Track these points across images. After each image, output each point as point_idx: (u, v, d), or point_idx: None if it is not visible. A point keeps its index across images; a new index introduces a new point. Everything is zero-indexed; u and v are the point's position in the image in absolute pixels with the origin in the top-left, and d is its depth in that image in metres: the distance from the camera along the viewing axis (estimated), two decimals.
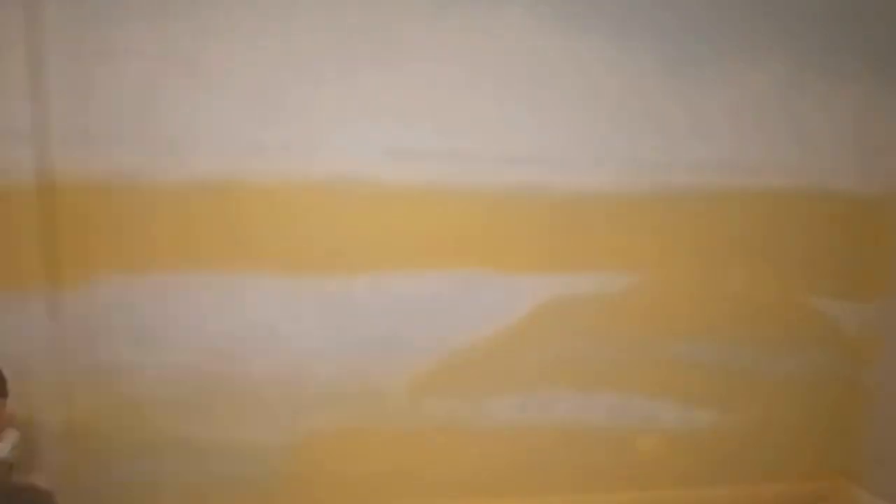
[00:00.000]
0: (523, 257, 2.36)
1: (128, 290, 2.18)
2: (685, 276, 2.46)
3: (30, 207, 2.06)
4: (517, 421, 2.43)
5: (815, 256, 2.52)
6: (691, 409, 2.53)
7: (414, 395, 2.36)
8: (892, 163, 2.49)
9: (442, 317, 2.34)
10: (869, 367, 2.56)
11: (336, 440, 2.34)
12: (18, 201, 2.05)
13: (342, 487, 2.36)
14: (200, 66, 2.13)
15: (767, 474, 2.61)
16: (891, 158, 2.49)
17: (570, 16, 2.28)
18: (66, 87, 2.07)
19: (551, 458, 2.48)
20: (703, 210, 2.43)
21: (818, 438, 2.64)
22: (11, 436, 1.98)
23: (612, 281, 2.42)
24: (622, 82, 2.34)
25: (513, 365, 2.40)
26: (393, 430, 2.36)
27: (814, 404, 2.61)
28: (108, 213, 2.14)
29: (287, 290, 2.25)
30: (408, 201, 2.27)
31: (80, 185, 2.11)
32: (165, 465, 2.26)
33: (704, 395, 2.53)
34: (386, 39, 2.21)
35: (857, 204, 2.52)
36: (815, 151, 2.47)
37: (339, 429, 2.34)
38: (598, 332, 2.44)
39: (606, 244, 2.40)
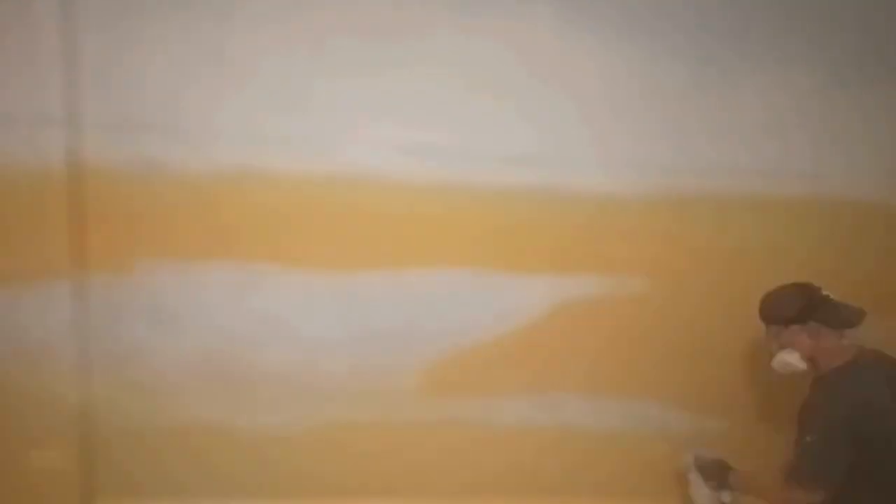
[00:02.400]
0: (537, 258, 2.36)
1: (150, 276, 2.22)
2: (698, 281, 2.44)
3: (59, 192, 2.10)
4: (526, 422, 2.43)
5: (834, 266, 2.47)
6: (702, 416, 2.53)
7: (424, 392, 2.37)
8: None
9: (454, 315, 2.35)
10: None
11: (345, 433, 2.35)
12: (48, 186, 2.09)
13: (348, 480, 2.37)
14: (226, 59, 2.17)
15: (778, 484, 2.59)
16: None
17: (593, 19, 2.28)
18: (98, 74, 2.12)
19: (559, 460, 2.47)
20: (719, 216, 2.41)
21: None
22: None
23: (625, 284, 2.41)
24: (642, 86, 2.34)
25: (523, 366, 2.40)
26: (402, 427, 2.37)
27: None
28: (134, 200, 2.18)
29: (302, 282, 2.27)
30: (424, 199, 2.28)
31: (109, 172, 2.15)
32: (177, 448, 2.30)
33: (716, 403, 2.51)
34: (407, 38, 2.22)
35: (878, 213, 2.49)
36: (835, 159, 2.44)
37: (347, 422, 2.35)
38: (610, 336, 2.43)
39: (621, 247, 2.39)
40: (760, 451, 2.55)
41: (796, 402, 2.54)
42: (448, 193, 2.29)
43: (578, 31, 2.29)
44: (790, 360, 2.12)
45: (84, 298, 2.18)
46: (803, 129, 2.42)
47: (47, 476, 2.19)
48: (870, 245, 2.51)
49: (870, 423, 1.97)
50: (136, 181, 2.17)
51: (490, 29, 2.25)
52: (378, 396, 2.36)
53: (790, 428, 2.54)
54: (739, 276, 2.45)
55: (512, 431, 2.43)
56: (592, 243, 2.37)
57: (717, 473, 2.31)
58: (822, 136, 2.43)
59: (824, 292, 2.10)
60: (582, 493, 2.50)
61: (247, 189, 2.21)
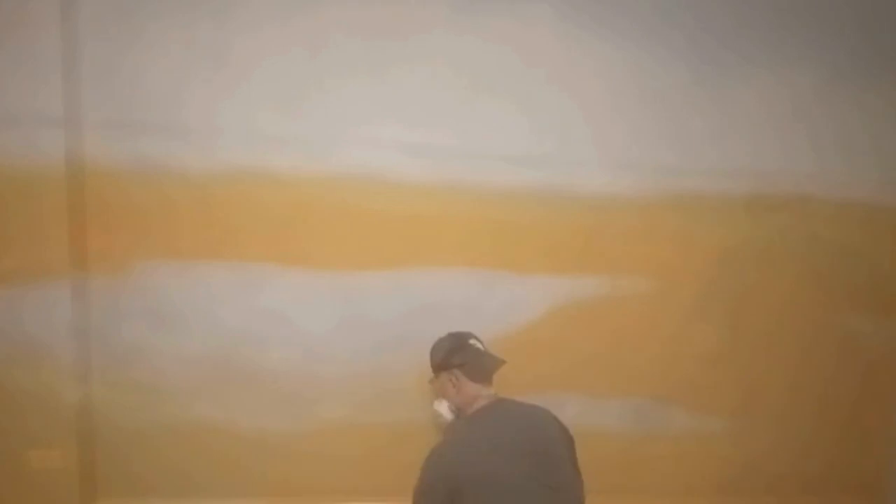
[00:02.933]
0: (537, 258, 2.36)
1: (150, 277, 2.23)
2: (698, 281, 2.43)
3: (59, 192, 2.11)
4: None
5: (834, 266, 2.48)
6: (705, 416, 2.52)
7: (425, 392, 2.36)
8: None
9: (456, 315, 2.34)
10: None
11: (345, 433, 2.35)
12: (48, 185, 2.10)
13: (349, 480, 2.37)
14: (226, 59, 2.18)
15: (781, 487, 2.58)
16: None
17: (595, 19, 2.28)
18: (98, 75, 2.13)
19: None
20: (719, 216, 2.40)
21: (838, 455, 2.59)
22: None
23: (625, 285, 2.40)
24: (645, 87, 2.33)
25: (523, 365, 2.39)
26: (403, 426, 2.37)
27: (835, 420, 2.57)
28: (135, 200, 2.19)
29: (303, 282, 2.28)
30: (426, 199, 2.29)
31: (109, 172, 2.17)
32: (177, 448, 2.30)
33: (719, 403, 2.51)
34: (408, 38, 2.22)
35: (879, 213, 2.47)
36: (836, 159, 2.43)
37: (348, 422, 2.35)
38: (610, 336, 2.42)
39: (624, 248, 2.39)
40: (761, 452, 2.56)
41: (797, 403, 2.55)
42: (448, 193, 2.29)
43: (579, 31, 2.28)
44: (439, 409, 2.14)
45: (84, 298, 2.19)
46: (804, 129, 2.41)
47: (48, 475, 2.19)
48: (871, 245, 2.50)
49: (464, 479, 1.85)
50: (137, 181, 2.18)
51: (491, 29, 2.25)
52: (379, 396, 2.36)
53: (791, 428, 2.56)
54: (740, 277, 2.45)
55: None
56: (592, 243, 2.37)
57: None
58: (822, 137, 2.42)
59: (471, 341, 2.13)
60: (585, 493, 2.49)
61: (247, 189, 2.22)
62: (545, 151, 2.33)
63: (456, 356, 2.09)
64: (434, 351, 2.16)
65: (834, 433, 2.58)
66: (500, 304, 2.37)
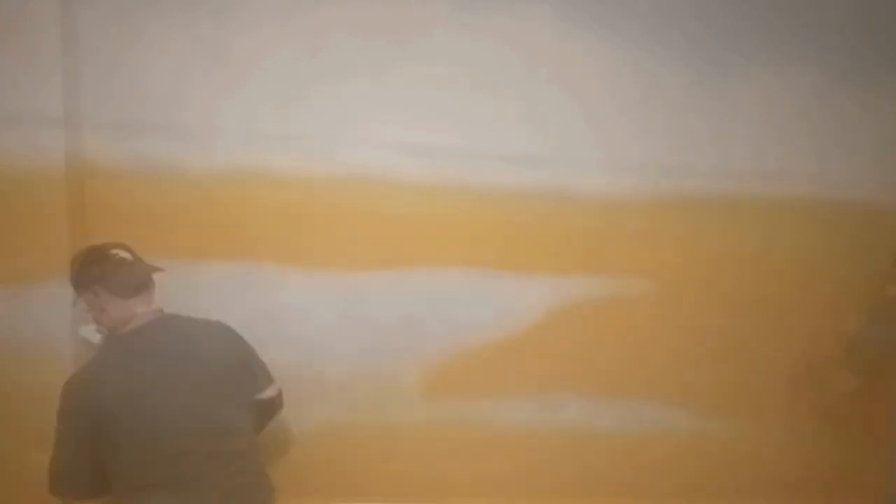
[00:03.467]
0: (540, 259, 2.36)
1: (155, 276, 2.20)
2: (700, 282, 2.43)
3: (59, 192, 2.10)
4: (528, 423, 2.44)
5: (837, 267, 2.48)
6: (705, 418, 2.53)
7: (425, 393, 2.38)
8: None
9: (456, 316, 2.35)
10: None
11: (347, 433, 2.36)
12: (49, 185, 2.09)
13: (349, 481, 2.38)
14: (227, 59, 2.17)
15: (781, 490, 2.59)
16: None
17: (596, 19, 2.28)
18: (99, 75, 2.13)
19: (560, 462, 2.48)
20: (723, 218, 2.41)
21: (840, 456, 2.59)
22: None
23: (628, 286, 2.41)
24: (646, 87, 2.33)
25: (525, 367, 2.41)
26: (402, 428, 2.38)
27: (837, 422, 2.57)
28: (135, 200, 2.19)
29: (304, 282, 2.28)
30: (427, 199, 2.29)
31: (109, 172, 2.16)
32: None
33: (721, 405, 2.51)
34: (410, 38, 2.22)
35: (882, 214, 2.47)
36: (838, 160, 2.43)
37: (350, 422, 2.36)
38: (612, 337, 2.43)
39: (625, 249, 2.39)
40: (761, 453, 2.56)
41: (798, 405, 2.55)
42: (450, 194, 2.29)
43: (580, 31, 2.28)
44: (84, 334, 1.91)
45: None
46: (806, 129, 2.41)
47: (47, 476, 2.19)
48: (873, 246, 2.50)
49: (107, 409, 1.65)
50: (137, 181, 2.17)
51: (492, 29, 2.25)
52: (380, 396, 2.36)
53: (792, 430, 2.56)
54: (741, 278, 2.45)
55: (513, 432, 2.44)
56: (594, 244, 2.37)
57: None
58: (825, 137, 2.42)
59: (113, 251, 1.80)
60: (583, 494, 2.50)
61: (248, 189, 2.22)
62: (546, 152, 2.33)
63: (93, 268, 1.76)
64: (70, 267, 1.83)
65: (836, 435, 2.58)
66: (501, 305, 2.37)
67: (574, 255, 2.37)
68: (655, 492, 2.53)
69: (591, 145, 2.34)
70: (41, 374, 2.15)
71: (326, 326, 2.31)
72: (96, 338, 1.88)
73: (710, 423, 2.53)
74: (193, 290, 2.23)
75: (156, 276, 2.20)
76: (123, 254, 1.81)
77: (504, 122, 2.30)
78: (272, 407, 2.04)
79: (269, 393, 2.01)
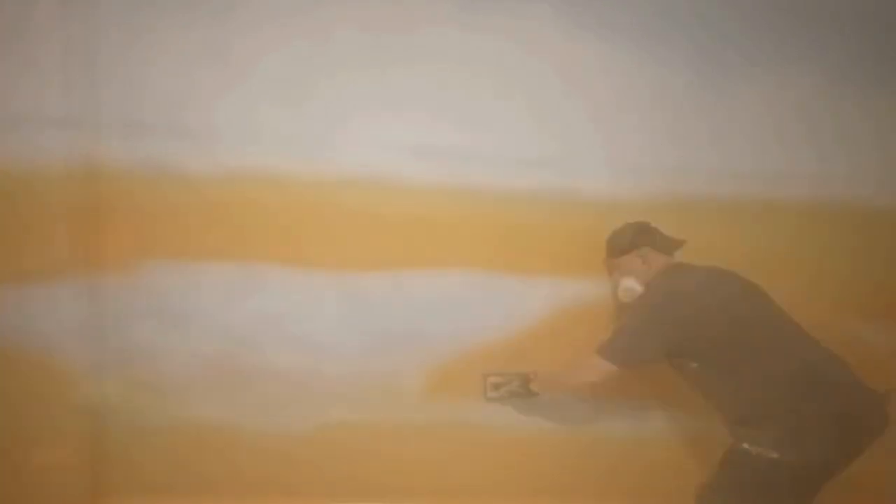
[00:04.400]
0: (542, 261, 2.37)
1: (159, 277, 2.26)
2: None
3: (68, 193, 2.15)
4: (529, 424, 2.43)
5: (839, 270, 2.47)
6: (706, 419, 2.52)
7: (427, 393, 2.38)
8: None
9: (458, 317, 2.36)
10: None
11: (349, 434, 2.36)
12: (58, 187, 2.14)
13: (352, 481, 2.38)
14: (234, 63, 2.22)
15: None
16: None
17: (599, 20, 2.31)
18: (109, 78, 2.18)
19: (562, 462, 2.45)
20: (725, 219, 2.41)
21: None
22: None
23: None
24: (649, 89, 2.36)
25: (527, 368, 2.39)
26: (404, 427, 2.38)
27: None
28: (144, 201, 2.23)
29: (308, 283, 2.30)
30: (430, 201, 2.31)
31: (117, 174, 2.21)
32: (185, 446, 2.32)
33: None
34: (413, 38, 2.26)
35: (883, 216, 2.47)
36: (840, 163, 2.43)
37: (352, 423, 2.36)
38: None
39: None
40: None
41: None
42: (452, 195, 2.32)
43: (584, 33, 2.31)
44: (630, 284, 2.23)
45: (94, 298, 2.23)
46: (808, 132, 2.42)
47: (58, 473, 2.22)
48: (874, 247, 2.49)
49: (695, 304, 2.07)
50: (146, 183, 2.21)
51: (495, 32, 2.29)
52: (382, 397, 2.37)
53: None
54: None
55: (515, 433, 2.43)
56: (596, 246, 2.37)
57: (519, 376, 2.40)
58: (825, 138, 2.42)
59: (652, 225, 2.27)
60: (584, 495, 2.47)
61: (254, 191, 2.25)
62: (548, 153, 2.35)
63: (645, 236, 2.23)
64: (616, 237, 2.27)
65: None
66: (504, 306, 2.38)
67: (576, 256, 2.38)
68: (656, 493, 2.51)
69: (593, 147, 2.37)
70: (52, 373, 2.20)
71: (331, 327, 2.33)
72: (639, 287, 2.21)
73: (710, 424, 2.52)
74: (197, 289, 2.27)
75: (166, 276, 2.25)
76: (656, 226, 2.27)
77: (507, 124, 2.33)
78: None
79: None
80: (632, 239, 2.24)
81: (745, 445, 1.99)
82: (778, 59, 2.38)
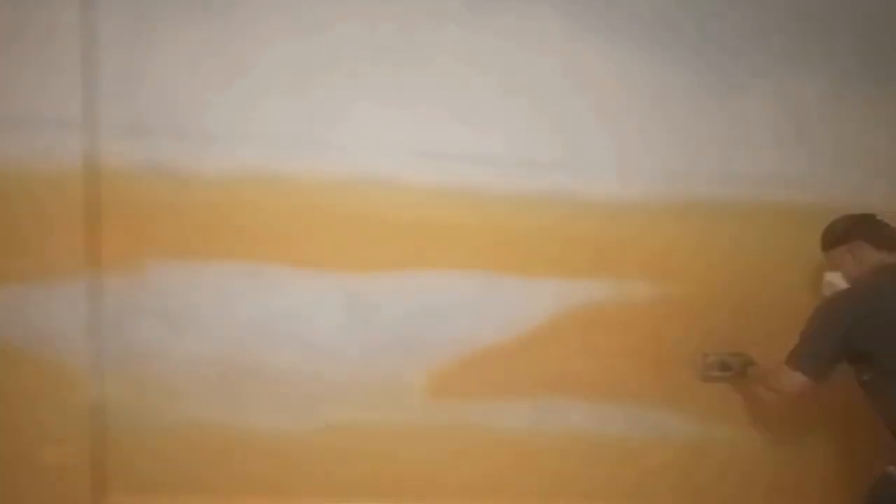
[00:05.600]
0: (546, 263, 2.37)
1: (162, 277, 2.26)
2: (708, 288, 2.44)
3: (74, 194, 2.13)
4: (531, 426, 2.44)
5: None
6: (709, 424, 2.53)
7: (430, 394, 2.39)
8: None
9: (462, 318, 2.37)
10: None
11: (352, 434, 2.37)
12: (64, 187, 2.13)
13: (354, 481, 2.39)
14: (240, 64, 2.21)
15: (785, 495, 2.57)
16: None
17: (604, 23, 2.30)
18: (114, 79, 2.17)
19: (564, 464, 2.48)
20: (729, 224, 2.42)
21: (843, 461, 2.58)
22: None
23: (632, 290, 2.41)
24: (654, 92, 2.35)
25: (530, 370, 2.41)
26: (407, 429, 2.39)
27: (840, 428, 2.57)
28: (148, 201, 2.22)
29: (311, 284, 2.30)
30: (433, 202, 2.31)
31: (124, 174, 2.20)
32: (186, 445, 2.33)
33: (724, 410, 2.51)
34: (416, 39, 2.25)
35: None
36: (850, 168, 2.43)
37: (354, 423, 2.37)
38: (616, 341, 2.43)
39: (630, 254, 2.40)
40: (763, 457, 2.55)
41: (801, 409, 2.53)
42: (455, 196, 2.31)
43: (589, 37, 2.30)
44: (832, 279, 2.16)
45: (98, 298, 2.22)
46: (810, 136, 2.42)
47: (60, 471, 2.22)
48: None
49: (875, 305, 1.95)
50: (150, 183, 2.21)
51: (500, 32, 2.28)
52: (385, 398, 2.38)
53: (793, 433, 2.55)
54: (745, 283, 2.45)
55: (517, 435, 2.44)
56: (600, 248, 2.38)
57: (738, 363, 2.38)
58: (829, 144, 2.43)
59: (877, 217, 2.13)
60: (586, 496, 2.50)
61: (258, 191, 2.25)
62: (553, 155, 2.35)
63: (857, 228, 2.10)
64: (829, 228, 2.17)
65: (838, 440, 2.57)
66: (508, 308, 2.38)
67: (579, 258, 2.38)
68: (658, 496, 2.52)
69: (597, 148, 2.36)
70: (55, 372, 2.19)
71: (332, 327, 2.33)
72: (841, 286, 2.12)
73: (715, 427, 2.53)
74: (198, 290, 2.27)
75: (168, 276, 2.25)
76: (882, 217, 2.13)
77: (510, 124, 2.32)
78: None
79: None
80: (844, 231, 2.12)
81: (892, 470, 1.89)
82: (782, 63, 2.38)
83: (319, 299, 2.31)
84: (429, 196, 2.30)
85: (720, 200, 2.40)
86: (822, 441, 2.58)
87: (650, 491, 2.53)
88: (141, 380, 2.28)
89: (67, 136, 2.11)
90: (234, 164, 2.23)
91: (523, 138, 2.34)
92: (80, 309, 2.18)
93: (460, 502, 2.43)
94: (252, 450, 2.34)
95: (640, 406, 2.48)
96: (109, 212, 2.19)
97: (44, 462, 2.21)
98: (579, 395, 2.45)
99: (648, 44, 2.32)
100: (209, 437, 2.32)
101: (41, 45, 2.07)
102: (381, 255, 2.32)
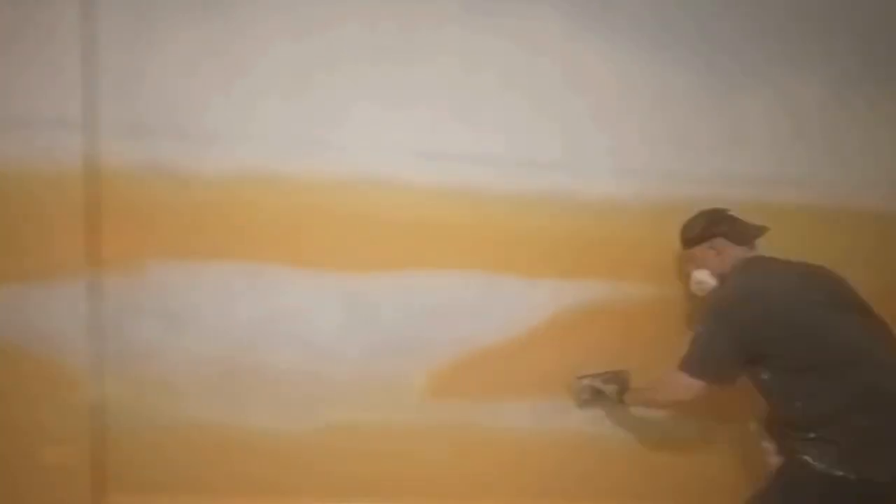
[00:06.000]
0: (545, 263, 2.38)
1: (163, 276, 2.26)
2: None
3: (75, 194, 2.14)
4: (532, 426, 2.45)
5: (848, 277, 2.49)
6: (708, 422, 2.53)
7: (430, 394, 2.39)
8: None
9: (462, 318, 2.37)
10: None
11: (352, 434, 2.37)
12: (64, 188, 2.13)
13: (355, 481, 2.39)
14: (240, 63, 2.21)
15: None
16: None
17: (603, 23, 2.31)
18: (114, 79, 2.17)
19: (564, 464, 2.48)
20: None
21: None
22: None
23: (633, 290, 2.42)
24: (654, 92, 2.36)
25: (530, 370, 2.41)
26: (407, 429, 2.39)
27: None
28: (148, 202, 2.22)
29: (311, 284, 2.30)
30: (433, 202, 2.31)
31: (124, 174, 2.20)
32: (186, 445, 2.33)
33: (722, 409, 2.50)
34: (416, 39, 2.25)
35: (887, 221, 2.48)
36: (850, 168, 2.44)
37: (355, 423, 2.37)
38: (617, 341, 2.44)
39: (628, 253, 2.41)
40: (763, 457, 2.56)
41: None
42: (454, 197, 2.32)
43: (587, 36, 2.31)
44: (701, 277, 2.18)
45: (98, 298, 2.22)
46: (810, 136, 2.43)
47: (60, 471, 2.22)
48: (881, 252, 2.50)
49: (768, 307, 1.96)
50: (150, 184, 2.21)
51: (499, 33, 2.28)
52: (385, 398, 2.38)
53: None
54: None
55: (517, 435, 2.45)
56: (599, 248, 2.39)
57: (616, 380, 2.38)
58: (828, 144, 2.44)
59: (729, 212, 2.18)
60: (586, 497, 2.50)
61: (258, 191, 2.25)
62: (551, 155, 2.35)
63: (717, 226, 2.15)
64: (690, 226, 2.21)
65: None
66: (506, 308, 2.39)
67: (579, 258, 2.39)
68: (658, 494, 2.53)
69: (595, 149, 2.37)
70: (55, 371, 2.19)
71: (332, 327, 2.33)
72: (713, 280, 2.16)
73: (713, 427, 2.53)
74: (198, 290, 2.27)
75: (168, 276, 2.25)
76: (734, 213, 2.18)
77: (513, 126, 2.33)
78: None
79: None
80: (704, 228, 2.16)
81: (807, 458, 1.91)
82: (782, 64, 2.39)
83: (319, 299, 2.31)
84: (429, 196, 2.31)
85: (720, 200, 2.40)
86: None
87: (650, 491, 2.53)
88: (141, 380, 2.28)
89: (67, 136, 2.11)
90: (234, 164, 2.23)
91: (523, 138, 2.34)
92: (80, 309, 2.18)
93: (460, 502, 2.44)
94: (252, 450, 2.35)
95: (641, 406, 2.48)
96: (109, 212, 2.20)
97: (44, 462, 2.21)
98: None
99: (648, 44, 2.33)
100: (209, 437, 2.32)
101: (41, 45, 2.07)
102: (381, 255, 2.32)
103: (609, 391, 2.34)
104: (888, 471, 1.85)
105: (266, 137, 2.24)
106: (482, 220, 2.34)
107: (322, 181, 2.27)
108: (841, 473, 1.85)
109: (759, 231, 2.15)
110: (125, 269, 2.23)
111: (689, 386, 2.03)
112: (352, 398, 2.36)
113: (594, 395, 2.38)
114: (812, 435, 1.92)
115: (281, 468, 2.37)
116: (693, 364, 2.02)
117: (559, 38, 2.30)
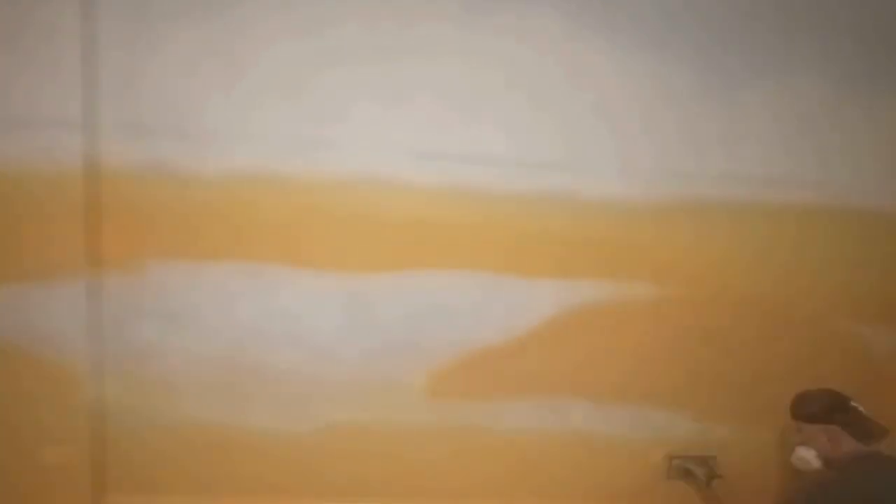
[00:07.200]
0: (546, 263, 2.38)
1: (162, 277, 2.26)
2: (709, 288, 2.44)
3: (75, 194, 2.13)
4: (532, 426, 2.45)
5: (842, 274, 2.48)
6: (710, 422, 2.53)
7: (430, 394, 2.39)
8: None
9: (462, 319, 2.37)
10: None
11: (352, 435, 2.38)
12: (64, 188, 2.13)
13: (355, 482, 2.39)
14: (239, 64, 2.21)
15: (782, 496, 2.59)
16: None
17: (607, 23, 2.30)
18: (114, 79, 2.16)
19: (564, 464, 2.48)
20: (731, 224, 2.42)
21: None
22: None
23: (633, 290, 2.42)
24: (656, 92, 2.35)
25: (531, 370, 2.41)
26: (407, 429, 2.39)
27: None
28: (148, 201, 2.22)
29: (312, 284, 2.30)
30: (434, 202, 2.31)
31: (124, 174, 2.19)
32: (186, 446, 2.33)
33: (724, 409, 2.52)
34: (416, 38, 2.25)
35: (887, 221, 2.48)
36: (854, 167, 2.43)
37: (355, 424, 2.38)
38: (618, 341, 2.44)
39: (630, 253, 2.40)
40: (766, 460, 2.56)
41: None
42: (456, 196, 2.31)
43: (589, 36, 2.30)
44: (806, 456, 2.15)
45: (98, 298, 2.22)
46: (813, 137, 2.42)
47: (60, 472, 2.23)
48: (878, 252, 2.50)
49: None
50: (150, 183, 2.21)
51: (500, 32, 2.27)
52: (386, 398, 2.38)
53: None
54: (748, 283, 2.45)
55: (518, 435, 2.45)
56: (601, 248, 2.38)
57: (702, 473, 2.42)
58: (831, 144, 2.43)
59: (853, 403, 2.14)
60: (587, 497, 2.50)
61: (258, 191, 2.25)
62: (553, 154, 2.35)
63: (838, 414, 2.10)
64: (808, 401, 2.17)
65: None
66: (507, 308, 2.38)
67: (580, 259, 2.38)
68: (658, 494, 2.53)
69: (598, 148, 2.36)
70: (55, 371, 2.19)
71: (334, 328, 2.33)
72: (816, 463, 2.14)
73: (714, 427, 2.53)
74: (198, 290, 2.27)
75: (168, 276, 2.25)
76: (860, 407, 2.13)
77: (513, 126, 2.32)
78: None
79: None
80: (823, 412, 2.12)
81: None
82: (785, 64, 2.38)
83: (319, 299, 2.31)
84: (429, 196, 2.30)
85: (722, 200, 2.40)
86: None
87: (650, 491, 2.53)
88: (141, 380, 2.28)
89: (67, 136, 2.11)
90: (234, 164, 2.23)
91: (524, 138, 2.33)
92: (80, 309, 2.18)
93: (460, 502, 2.44)
94: (252, 450, 2.35)
95: (640, 406, 2.48)
96: (109, 212, 2.19)
97: (44, 462, 2.21)
98: (580, 396, 2.46)
99: (650, 43, 2.32)
100: (209, 437, 2.32)
101: (41, 45, 2.07)
102: (381, 255, 2.32)
103: (698, 472, 2.40)
104: None
105: (266, 137, 2.24)
106: (482, 221, 2.33)
107: (322, 181, 2.26)
108: None
109: (883, 433, 2.08)
110: (125, 269, 2.23)
111: None
112: (352, 398, 2.36)
113: (684, 476, 2.44)
114: None
115: (281, 468, 2.37)
116: None
117: (560, 37, 2.29)
